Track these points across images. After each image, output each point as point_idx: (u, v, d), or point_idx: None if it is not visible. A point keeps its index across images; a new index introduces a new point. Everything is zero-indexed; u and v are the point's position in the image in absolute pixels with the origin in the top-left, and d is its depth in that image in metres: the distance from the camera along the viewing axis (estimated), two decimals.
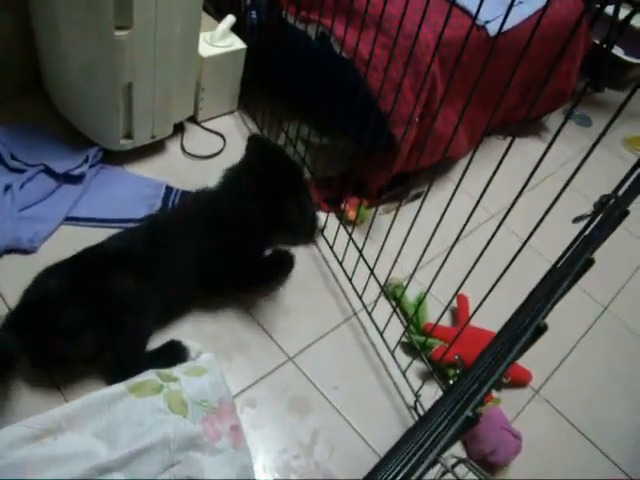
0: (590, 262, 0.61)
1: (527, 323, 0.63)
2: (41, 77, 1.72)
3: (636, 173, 0.74)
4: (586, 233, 0.77)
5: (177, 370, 1.16)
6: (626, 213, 0.65)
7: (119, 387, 1.08)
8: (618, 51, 2.68)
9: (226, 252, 1.34)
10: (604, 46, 2.44)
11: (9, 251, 1.38)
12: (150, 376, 1.12)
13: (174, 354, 1.25)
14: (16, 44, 1.66)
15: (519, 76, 1.88)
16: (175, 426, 1.04)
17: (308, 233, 1.42)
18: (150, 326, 1.27)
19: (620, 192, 0.74)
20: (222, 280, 1.38)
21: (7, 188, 1.48)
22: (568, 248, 0.84)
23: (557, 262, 0.87)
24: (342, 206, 1.66)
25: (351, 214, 1.64)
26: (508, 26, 1.68)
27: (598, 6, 2.22)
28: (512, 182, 1.10)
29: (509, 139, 0.95)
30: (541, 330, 0.55)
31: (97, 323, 1.15)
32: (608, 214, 0.71)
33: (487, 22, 1.65)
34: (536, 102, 1.02)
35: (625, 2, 2.32)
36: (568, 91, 2.18)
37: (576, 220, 0.79)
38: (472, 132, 1.90)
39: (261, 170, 1.36)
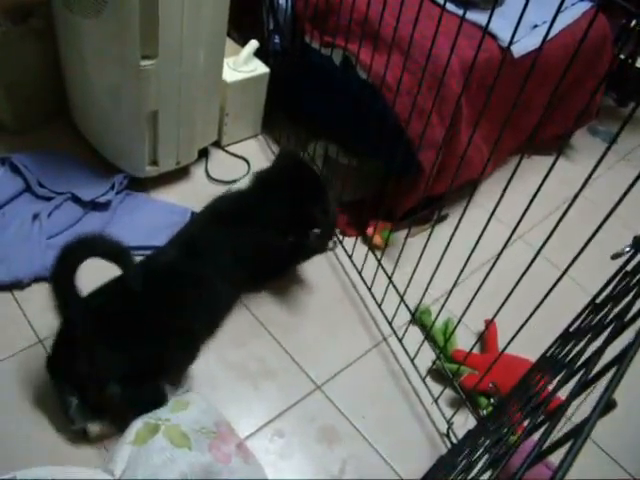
0: None
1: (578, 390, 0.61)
2: (68, 105, 1.74)
3: None
4: (627, 269, 0.75)
5: (163, 412, 1.13)
6: None
7: (126, 448, 1.06)
8: None
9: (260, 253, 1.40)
10: (629, 61, 2.42)
11: (37, 280, 1.39)
12: (139, 424, 1.09)
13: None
14: (44, 72, 1.69)
15: (543, 96, 1.87)
16: (187, 462, 1.03)
17: (328, 236, 1.56)
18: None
19: None
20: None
21: (35, 216, 1.49)
22: (606, 284, 0.82)
23: (595, 297, 0.85)
24: (369, 231, 1.65)
25: (377, 238, 1.63)
26: (532, 47, 1.67)
27: (623, 22, 2.19)
28: (537, 202, 1.08)
29: (533, 158, 0.93)
30: (611, 406, 0.54)
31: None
32: None
33: (511, 43, 1.64)
34: (563, 123, 1.00)
35: None
36: (593, 109, 2.15)
37: (614, 257, 0.77)
38: (496, 152, 1.88)
39: (288, 178, 1.45)
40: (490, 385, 1.30)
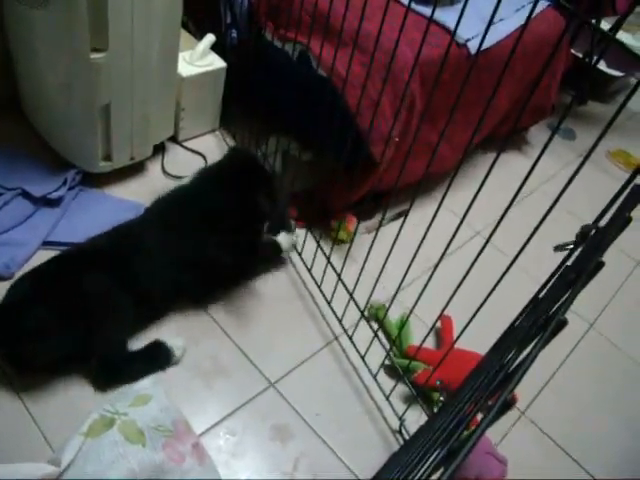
0: (563, 323, 0.59)
1: (492, 390, 0.61)
2: (18, 97, 1.70)
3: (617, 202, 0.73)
4: (568, 263, 0.75)
5: (121, 406, 1.12)
6: (601, 265, 0.63)
7: (77, 439, 1.04)
8: (600, 64, 2.69)
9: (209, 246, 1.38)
10: (586, 60, 2.45)
11: None
12: (96, 415, 1.09)
13: (158, 355, 1.29)
14: None
15: (504, 93, 1.88)
16: (138, 459, 1.01)
17: (281, 221, 1.54)
18: (127, 327, 1.29)
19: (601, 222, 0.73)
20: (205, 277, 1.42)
21: None
22: (549, 279, 0.82)
23: (539, 292, 0.86)
24: (332, 224, 1.65)
25: (341, 233, 1.63)
26: (489, 43, 1.68)
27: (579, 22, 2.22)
28: (496, 198, 1.08)
29: (492, 154, 0.94)
30: (508, 406, 0.54)
31: (69, 325, 1.16)
32: (588, 248, 0.69)
33: (468, 40, 1.64)
34: (519, 119, 1.01)
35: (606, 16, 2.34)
36: (548, 106, 2.17)
37: (557, 249, 0.77)
38: (456, 149, 1.89)
39: (232, 170, 1.46)
40: (437, 382, 1.30)
